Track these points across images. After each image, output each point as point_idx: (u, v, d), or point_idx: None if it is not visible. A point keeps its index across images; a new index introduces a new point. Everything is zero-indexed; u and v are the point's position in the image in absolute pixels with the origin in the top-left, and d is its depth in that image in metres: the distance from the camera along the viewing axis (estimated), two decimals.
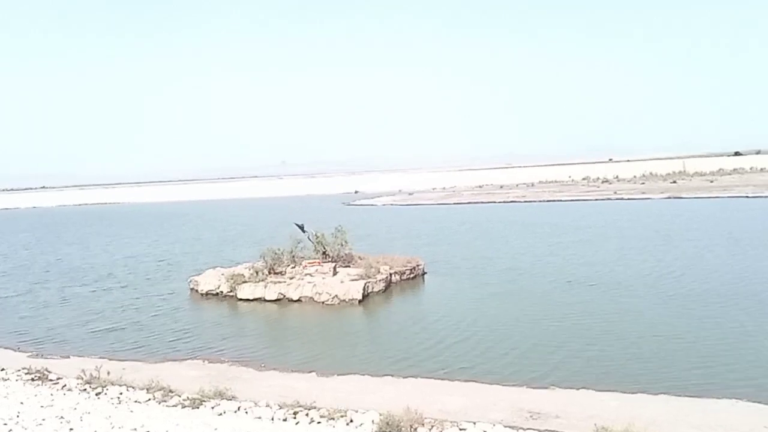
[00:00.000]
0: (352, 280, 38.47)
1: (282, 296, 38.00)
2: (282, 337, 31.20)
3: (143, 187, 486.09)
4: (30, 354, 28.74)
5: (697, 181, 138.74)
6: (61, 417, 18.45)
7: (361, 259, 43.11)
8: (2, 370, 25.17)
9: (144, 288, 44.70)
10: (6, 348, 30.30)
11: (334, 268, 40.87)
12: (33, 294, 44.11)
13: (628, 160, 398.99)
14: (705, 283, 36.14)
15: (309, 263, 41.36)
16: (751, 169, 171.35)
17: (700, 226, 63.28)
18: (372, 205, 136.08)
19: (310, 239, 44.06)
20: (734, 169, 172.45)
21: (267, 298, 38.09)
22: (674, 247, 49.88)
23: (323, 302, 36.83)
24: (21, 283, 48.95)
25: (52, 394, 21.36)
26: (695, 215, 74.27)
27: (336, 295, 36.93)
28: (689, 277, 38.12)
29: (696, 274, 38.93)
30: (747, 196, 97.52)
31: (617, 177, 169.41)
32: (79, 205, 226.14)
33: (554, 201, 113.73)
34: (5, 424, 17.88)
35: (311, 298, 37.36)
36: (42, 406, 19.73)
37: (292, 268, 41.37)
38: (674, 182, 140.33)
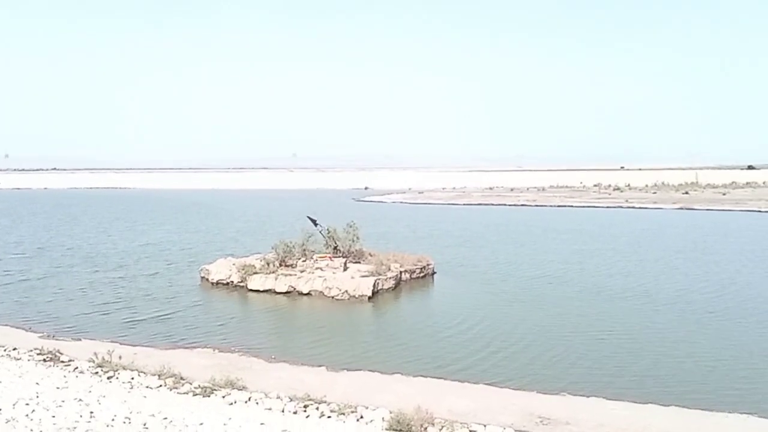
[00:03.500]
0: (363, 276, 38.52)
1: (292, 289, 38.09)
2: (292, 329, 31.32)
3: (153, 173, 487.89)
4: (41, 335, 28.91)
5: (710, 193, 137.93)
6: (80, 399, 18.60)
7: (371, 256, 43.13)
8: (14, 349, 25.38)
9: (164, 276, 44.68)
10: (17, 328, 30.48)
11: (345, 263, 40.96)
12: (56, 278, 43.78)
13: (640, 169, 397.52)
14: (732, 300, 35.40)
15: (320, 257, 41.44)
16: (764, 183, 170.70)
17: (722, 239, 62.72)
18: (382, 202, 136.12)
19: (321, 233, 44.17)
20: (747, 183, 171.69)
21: (277, 290, 38.19)
22: (701, 262, 49.00)
23: (333, 297, 36.90)
24: (43, 267, 48.60)
25: (65, 376, 21.52)
26: (715, 228, 73.27)
27: (346, 291, 36.99)
28: (718, 294, 37.29)
29: (723, 290, 38.15)
30: (760, 211, 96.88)
31: (629, 185, 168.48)
32: (90, 188, 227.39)
33: (565, 206, 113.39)
34: (27, 404, 18.06)
35: (321, 292, 37.43)
36: (58, 388, 19.88)
37: (303, 261, 41.48)
38: (686, 193, 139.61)
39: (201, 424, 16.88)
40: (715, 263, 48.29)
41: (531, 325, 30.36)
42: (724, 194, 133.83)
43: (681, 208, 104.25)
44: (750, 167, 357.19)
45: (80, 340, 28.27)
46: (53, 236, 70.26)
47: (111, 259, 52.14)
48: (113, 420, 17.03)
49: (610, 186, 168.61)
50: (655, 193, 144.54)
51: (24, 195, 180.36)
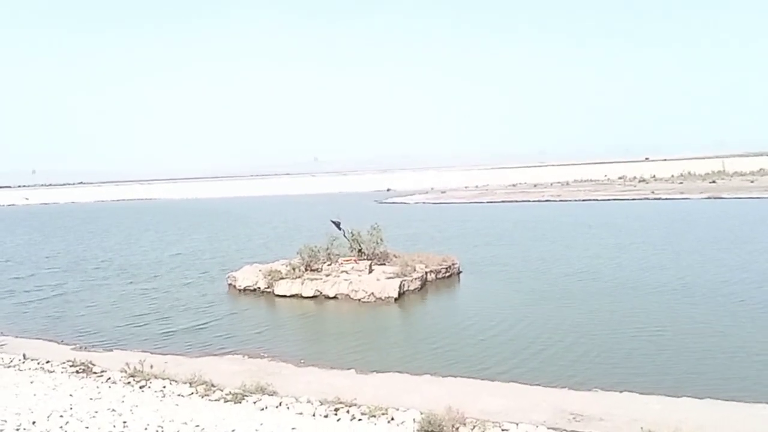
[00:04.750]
0: (388, 278, 38.50)
1: (318, 293, 38.22)
2: (320, 333, 31.44)
3: (178, 183, 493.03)
4: (74, 347, 29.29)
5: (737, 181, 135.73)
6: (113, 410, 18.82)
7: (396, 257, 43.11)
8: (48, 362, 25.74)
9: (195, 285, 44.86)
10: (50, 341, 30.93)
11: (370, 265, 40.96)
12: (89, 291, 44.06)
13: (665, 159, 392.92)
14: None
15: (345, 260, 41.50)
16: None
17: (757, 228, 61.17)
18: (404, 203, 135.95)
19: (345, 237, 44.23)
20: None
21: (304, 295, 38.33)
22: (737, 252, 47.38)
23: (359, 300, 36.94)
24: (77, 280, 48.94)
25: (98, 387, 21.79)
26: (747, 217, 71.58)
27: (372, 293, 37.00)
28: (758, 284, 36.03)
29: (763, 281, 36.81)
30: None
31: (654, 176, 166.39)
32: (117, 200, 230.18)
33: (590, 200, 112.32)
34: (61, 416, 18.31)
35: (347, 295, 37.50)
36: (91, 399, 20.14)
37: (329, 265, 41.55)
38: (713, 182, 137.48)
39: (233, 430, 16.98)
40: (752, 253, 46.90)
41: (562, 323, 29.95)
42: (752, 181, 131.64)
43: (709, 198, 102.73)
44: None
45: (112, 350, 28.61)
46: (86, 249, 71.02)
47: (143, 270, 52.57)
48: (146, 429, 17.22)
49: (635, 178, 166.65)
50: (681, 183, 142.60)
51: (52, 210, 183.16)
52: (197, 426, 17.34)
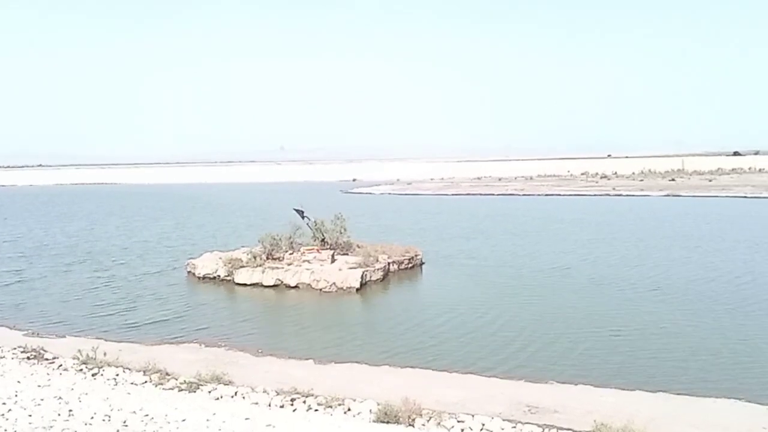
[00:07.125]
0: (350, 268, 38.33)
1: (279, 282, 37.86)
2: (279, 323, 31.12)
3: (140, 168, 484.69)
4: (26, 332, 28.52)
5: (696, 180, 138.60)
6: (60, 398, 18.29)
7: (359, 247, 42.95)
8: None
9: (161, 273, 43.98)
10: (1, 326, 30.05)
11: (333, 255, 40.75)
12: (50, 279, 42.59)
13: (627, 157, 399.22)
14: (736, 289, 34.90)
15: (307, 250, 41.20)
16: (749, 169, 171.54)
17: (719, 227, 61.87)
18: (370, 193, 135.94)
19: (309, 226, 43.90)
20: (732, 169, 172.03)
21: (264, 284, 37.93)
22: (705, 251, 47.77)
23: (321, 289, 36.71)
24: (39, 267, 47.38)
25: (48, 374, 21.22)
26: (709, 216, 72.61)
27: (334, 283, 36.80)
28: (726, 283, 36.47)
29: (732, 281, 37.09)
30: (746, 196, 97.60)
31: (616, 173, 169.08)
32: (76, 184, 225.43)
33: (553, 195, 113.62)
34: (4, 403, 17.72)
35: (309, 284, 37.22)
36: (39, 386, 19.58)
37: (291, 254, 41.22)
38: (673, 180, 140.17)
39: (183, 420, 16.63)
40: (717, 252, 47.09)
41: (522, 317, 30.09)
42: (710, 180, 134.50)
43: (668, 195, 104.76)
44: (736, 153, 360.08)
45: (64, 336, 27.92)
46: (47, 234, 69.09)
47: (108, 257, 51.21)
48: (92, 418, 16.73)
49: (597, 174, 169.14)
50: (642, 180, 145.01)
51: (9, 192, 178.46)
52: (146, 415, 16.95)
